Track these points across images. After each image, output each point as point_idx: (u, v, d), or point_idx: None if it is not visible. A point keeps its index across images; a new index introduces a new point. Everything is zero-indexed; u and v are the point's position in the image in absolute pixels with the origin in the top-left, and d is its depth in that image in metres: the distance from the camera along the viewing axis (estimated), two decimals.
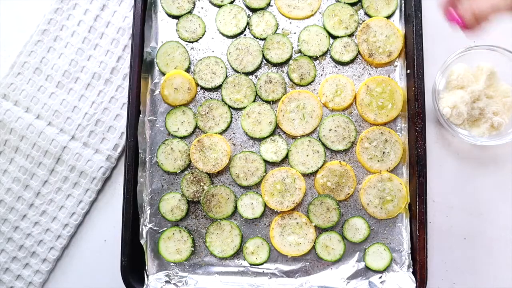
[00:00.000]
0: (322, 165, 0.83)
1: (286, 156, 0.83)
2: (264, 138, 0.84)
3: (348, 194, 0.82)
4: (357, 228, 0.82)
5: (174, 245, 0.82)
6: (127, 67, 0.88)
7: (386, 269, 0.81)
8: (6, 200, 0.88)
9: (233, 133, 0.85)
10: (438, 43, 0.87)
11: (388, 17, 0.85)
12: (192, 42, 0.87)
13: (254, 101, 0.85)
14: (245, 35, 0.87)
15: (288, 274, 0.82)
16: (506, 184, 0.85)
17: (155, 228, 0.84)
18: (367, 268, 0.82)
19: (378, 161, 0.82)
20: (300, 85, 0.85)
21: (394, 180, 0.81)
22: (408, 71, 0.83)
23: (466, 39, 0.87)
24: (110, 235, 0.87)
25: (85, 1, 0.90)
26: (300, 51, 0.85)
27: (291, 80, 0.85)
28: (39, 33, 0.89)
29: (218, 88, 0.85)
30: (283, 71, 0.86)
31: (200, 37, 0.87)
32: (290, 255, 0.82)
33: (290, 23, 0.87)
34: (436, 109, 0.81)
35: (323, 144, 0.83)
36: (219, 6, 0.87)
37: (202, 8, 0.88)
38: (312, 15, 0.86)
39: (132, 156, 0.81)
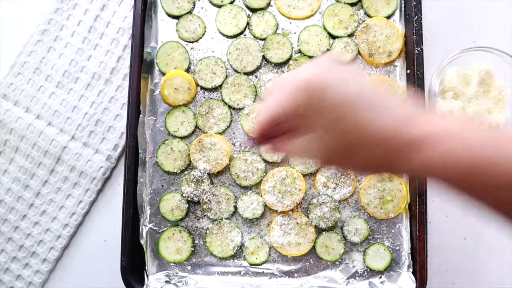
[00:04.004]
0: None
1: (286, 156, 0.83)
2: None
3: (348, 194, 0.82)
4: (357, 228, 0.82)
5: (174, 245, 0.82)
6: (127, 67, 0.88)
7: (386, 269, 0.81)
8: (6, 200, 0.88)
9: (233, 133, 0.85)
10: (439, 43, 0.87)
11: (388, 17, 0.85)
12: (192, 42, 0.87)
13: (254, 101, 0.85)
14: (245, 35, 0.87)
15: (288, 274, 0.82)
16: None
17: (155, 228, 0.84)
18: (367, 268, 0.82)
19: None
20: None
21: (394, 180, 0.81)
22: (408, 71, 0.83)
23: (467, 40, 0.87)
24: (110, 235, 0.87)
25: (85, 1, 0.90)
26: (300, 51, 0.85)
27: None
28: (39, 33, 0.89)
29: (218, 88, 0.85)
30: (283, 71, 0.86)
31: (200, 37, 0.87)
32: (290, 255, 0.82)
33: (290, 23, 0.87)
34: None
35: None
36: (219, 6, 0.87)
37: (202, 8, 0.88)
38: (312, 15, 0.86)
39: (132, 156, 0.81)
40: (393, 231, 0.82)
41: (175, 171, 0.84)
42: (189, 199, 0.83)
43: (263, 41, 0.85)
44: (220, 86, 0.85)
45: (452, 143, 0.38)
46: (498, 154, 0.37)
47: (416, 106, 0.42)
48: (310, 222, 0.82)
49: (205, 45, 0.87)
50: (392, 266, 0.81)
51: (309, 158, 0.46)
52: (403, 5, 0.85)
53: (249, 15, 0.87)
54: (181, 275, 0.83)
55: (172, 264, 0.83)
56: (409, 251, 0.81)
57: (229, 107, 0.85)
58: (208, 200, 0.83)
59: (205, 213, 0.83)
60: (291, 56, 0.85)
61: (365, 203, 0.82)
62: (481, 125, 0.81)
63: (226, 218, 0.83)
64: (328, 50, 0.85)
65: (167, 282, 0.82)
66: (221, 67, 0.85)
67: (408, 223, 0.82)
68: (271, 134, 0.47)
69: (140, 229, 0.83)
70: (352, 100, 0.41)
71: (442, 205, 0.85)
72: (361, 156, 0.42)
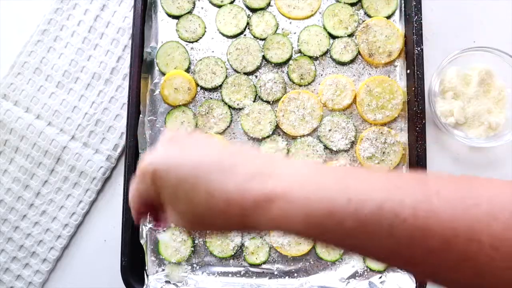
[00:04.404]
0: None
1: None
2: (264, 138, 0.84)
3: None
4: None
5: (174, 245, 0.82)
6: (127, 67, 0.88)
7: (386, 269, 0.81)
8: (6, 200, 0.88)
9: (233, 133, 0.85)
10: (439, 43, 0.87)
11: (388, 17, 0.85)
12: (192, 42, 0.87)
13: (254, 101, 0.85)
14: (245, 35, 0.87)
15: (288, 274, 0.82)
16: None
17: (155, 228, 0.84)
18: (367, 268, 0.82)
19: (378, 161, 0.82)
20: (300, 85, 0.85)
21: None
22: (408, 71, 0.83)
23: (467, 40, 0.87)
24: (110, 235, 0.87)
25: (85, 1, 0.90)
26: (300, 51, 0.85)
27: (291, 80, 0.85)
28: (39, 33, 0.89)
29: (218, 88, 0.85)
30: (283, 71, 0.86)
31: (200, 37, 0.87)
32: (290, 255, 0.82)
33: (290, 23, 0.87)
34: (432, 111, 0.81)
35: (323, 144, 0.83)
36: (219, 6, 0.87)
37: (202, 8, 0.88)
38: (312, 15, 0.86)
39: (132, 156, 0.81)
40: None
41: None
42: None
43: (263, 41, 0.85)
44: (220, 86, 0.85)
45: (298, 196, 0.38)
46: (341, 199, 0.36)
47: (266, 159, 0.42)
48: None
49: (205, 45, 0.87)
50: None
51: (180, 227, 0.48)
52: (403, 5, 0.85)
53: (249, 15, 0.87)
54: (181, 275, 0.83)
55: (172, 264, 0.83)
56: None
57: (229, 107, 0.85)
58: None
59: None
60: (291, 56, 0.85)
61: None
62: (481, 125, 0.81)
63: None
64: (328, 50, 0.85)
65: (167, 282, 0.82)
66: (221, 67, 0.85)
67: None
68: (149, 210, 0.49)
69: (140, 229, 0.83)
70: (193, 174, 0.41)
71: None
72: (216, 222, 0.43)
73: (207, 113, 0.84)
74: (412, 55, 0.80)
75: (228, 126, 0.84)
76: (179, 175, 0.42)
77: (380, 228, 0.35)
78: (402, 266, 0.39)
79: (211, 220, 0.43)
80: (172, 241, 0.82)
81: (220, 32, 0.86)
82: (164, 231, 0.83)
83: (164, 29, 0.87)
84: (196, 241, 0.84)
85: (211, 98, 0.86)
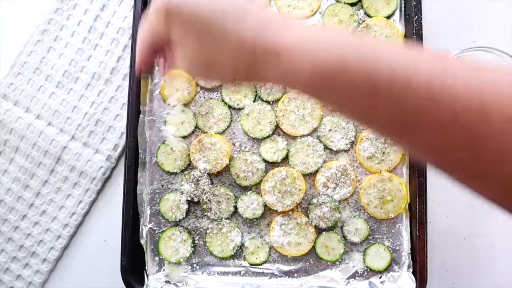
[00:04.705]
0: (322, 165, 0.83)
1: (286, 156, 0.83)
2: (264, 138, 0.84)
3: (348, 194, 0.82)
4: (357, 228, 0.82)
5: (174, 245, 0.82)
6: (127, 67, 0.88)
7: (386, 269, 0.81)
8: (6, 200, 0.88)
9: (233, 133, 0.85)
10: (439, 43, 0.87)
11: (388, 17, 0.85)
12: None
13: (254, 101, 0.85)
14: None
15: (288, 274, 0.82)
16: None
17: (155, 228, 0.84)
18: (367, 268, 0.82)
19: (378, 161, 0.82)
20: None
21: (394, 180, 0.81)
22: None
23: (467, 40, 0.87)
24: (110, 235, 0.87)
25: (85, 1, 0.90)
26: None
27: None
28: (39, 33, 0.89)
29: (218, 88, 0.85)
30: None
31: None
32: (290, 255, 0.82)
33: None
34: None
35: (323, 144, 0.83)
36: None
37: None
38: (312, 15, 0.86)
39: (132, 156, 0.81)
40: (393, 231, 0.82)
41: (175, 171, 0.84)
42: (189, 199, 0.83)
43: None
44: (220, 86, 0.85)
45: (310, 47, 0.37)
46: (355, 54, 0.35)
47: (284, 14, 0.43)
48: (310, 222, 0.82)
49: None
50: (392, 266, 0.81)
51: (185, 70, 0.49)
52: (403, 5, 0.85)
53: None
54: (181, 275, 0.83)
55: (172, 264, 0.83)
56: (409, 251, 0.81)
57: (229, 107, 0.85)
58: (208, 200, 0.83)
59: (205, 213, 0.83)
60: None
61: (365, 203, 0.82)
62: None
63: (226, 218, 0.83)
64: None
65: (167, 282, 0.82)
66: None
67: (408, 223, 0.82)
68: (156, 54, 0.49)
69: (140, 229, 0.83)
70: (208, 12, 0.41)
71: (442, 205, 0.85)
72: (224, 65, 0.42)
73: (207, 113, 0.84)
74: None
75: (228, 126, 0.84)
76: (194, 12, 0.42)
77: (390, 93, 0.33)
78: (406, 138, 0.36)
79: (219, 62, 0.42)
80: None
81: None
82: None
83: None
84: (196, 241, 0.84)
85: (211, 98, 0.86)
